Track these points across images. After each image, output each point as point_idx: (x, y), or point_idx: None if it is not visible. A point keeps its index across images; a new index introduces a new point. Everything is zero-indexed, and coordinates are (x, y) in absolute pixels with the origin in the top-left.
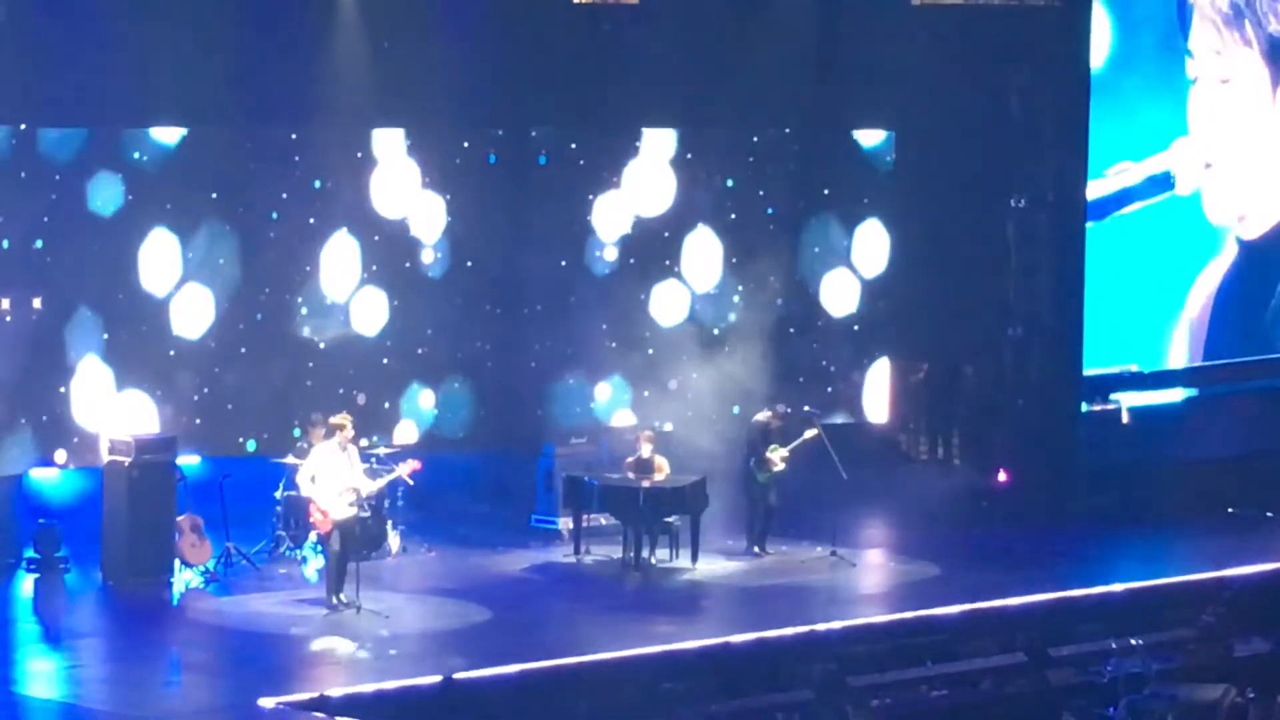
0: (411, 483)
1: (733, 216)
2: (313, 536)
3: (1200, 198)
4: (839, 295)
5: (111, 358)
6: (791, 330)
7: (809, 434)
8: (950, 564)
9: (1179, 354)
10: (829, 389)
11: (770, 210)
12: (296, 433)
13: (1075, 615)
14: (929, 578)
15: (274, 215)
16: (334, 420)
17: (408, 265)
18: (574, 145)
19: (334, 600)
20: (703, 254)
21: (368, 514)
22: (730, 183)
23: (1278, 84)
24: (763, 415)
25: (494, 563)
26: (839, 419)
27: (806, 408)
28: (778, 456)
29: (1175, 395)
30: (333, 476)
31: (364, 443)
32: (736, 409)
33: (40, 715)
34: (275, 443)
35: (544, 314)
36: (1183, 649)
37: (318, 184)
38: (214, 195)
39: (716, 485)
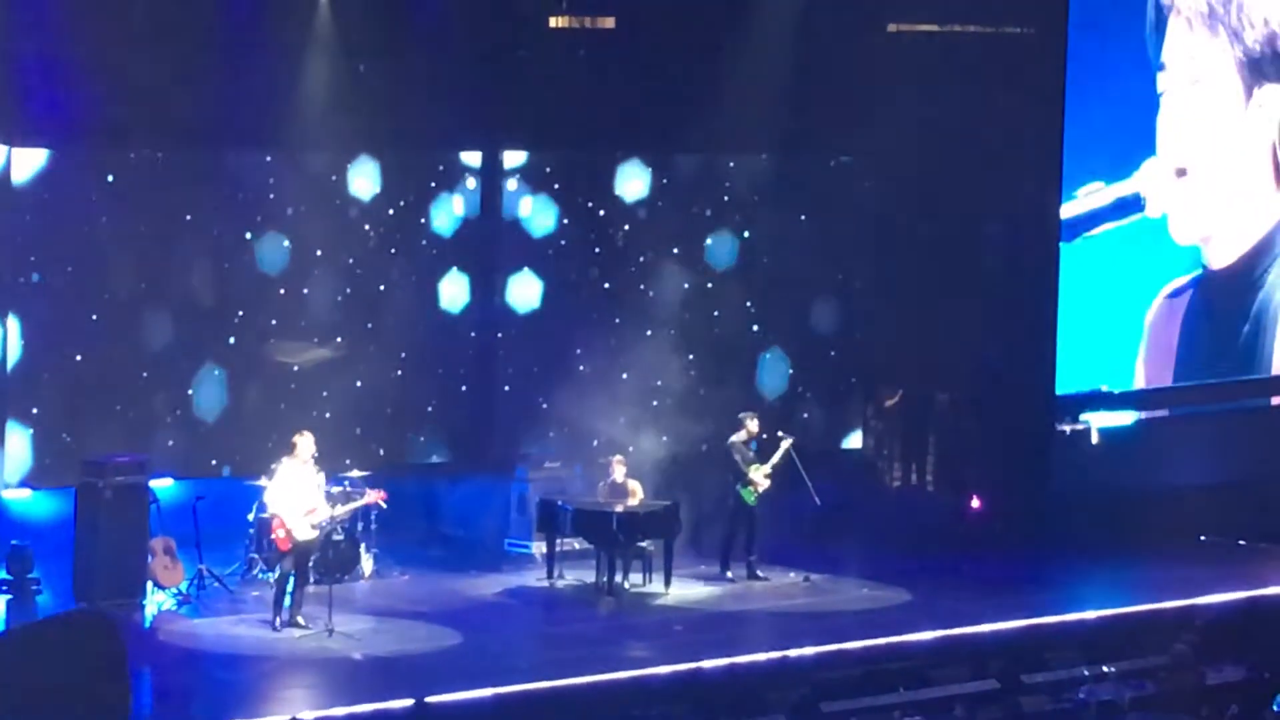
0: (385, 506)
1: (708, 242)
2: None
3: (1167, 218)
4: (814, 321)
5: (84, 378)
6: (768, 356)
7: (785, 444)
8: (923, 590)
9: (1139, 375)
10: (805, 414)
11: (746, 235)
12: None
13: (1048, 642)
14: (902, 603)
15: (248, 236)
16: (303, 442)
17: (382, 289)
18: (549, 169)
19: (277, 622)
20: (679, 279)
21: (340, 537)
22: (708, 211)
23: (1250, 93)
24: (738, 435)
25: (467, 586)
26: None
27: (780, 433)
28: (761, 475)
29: (1145, 416)
30: (297, 495)
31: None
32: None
33: None
34: (248, 465)
35: (518, 337)
36: (1155, 677)
37: (290, 210)
38: (188, 217)
39: (693, 509)
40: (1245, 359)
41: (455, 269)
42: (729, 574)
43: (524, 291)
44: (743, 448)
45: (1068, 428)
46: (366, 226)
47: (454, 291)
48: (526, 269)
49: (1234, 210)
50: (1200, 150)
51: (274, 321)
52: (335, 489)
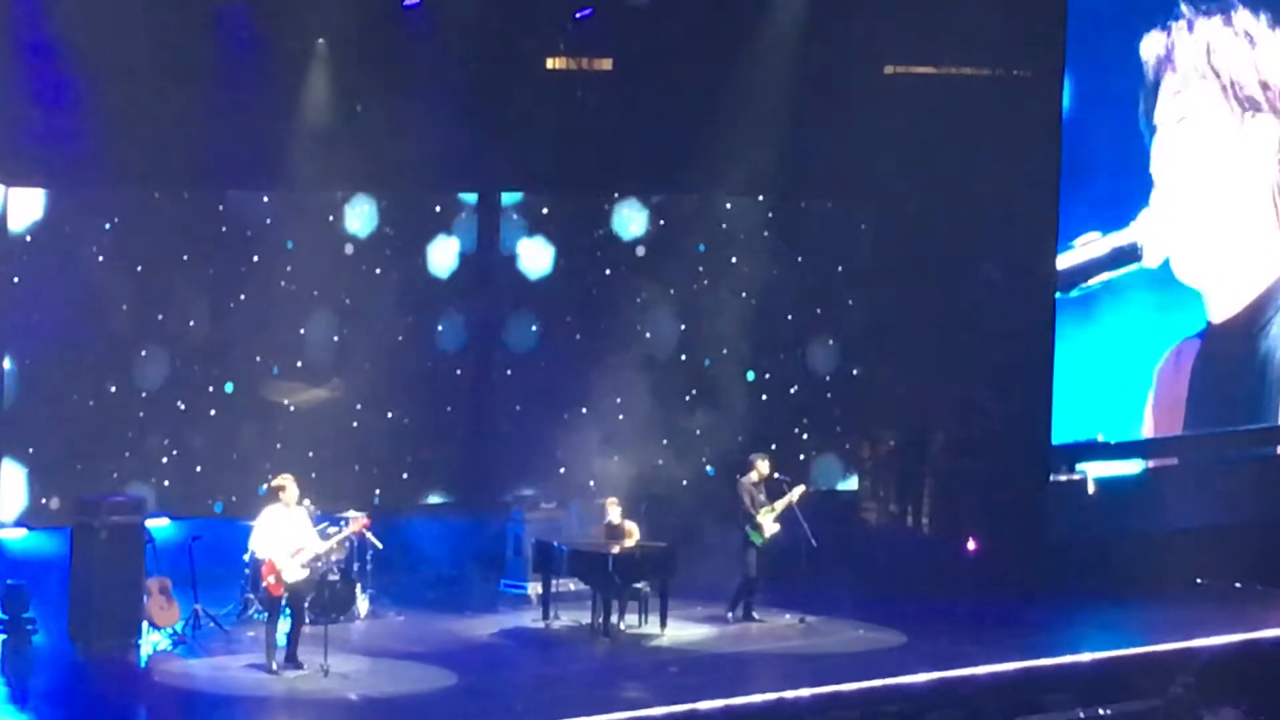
0: (379, 545)
1: (705, 282)
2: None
3: (1168, 265)
4: (811, 362)
5: (80, 418)
6: (765, 397)
7: (797, 491)
8: (919, 632)
9: (1148, 425)
10: (801, 455)
11: (743, 277)
12: (263, 490)
13: (1043, 685)
14: (898, 646)
15: (244, 278)
16: (275, 482)
17: (378, 329)
18: (546, 210)
19: (273, 665)
20: (675, 319)
21: (336, 577)
22: (705, 252)
23: (1244, 118)
24: (749, 476)
25: (462, 627)
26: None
27: (776, 475)
28: (770, 518)
29: (1142, 466)
30: (283, 538)
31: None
32: (711, 469)
33: None
34: (244, 505)
35: (514, 379)
36: (1151, 719)
37: (287, 250)
38: (185, 257)
39: (690, 549)
40: (1253, 410)
41: (452, 309)
42: (729, 615)
43: (521, 332)
44: (753, 489)
45: (1064, 477)
46: (363, 266)
47: (452, 332)
48: (523, 309)
49: (1235, 259)
50: (1198, 191)
51: (270, 361)
52: (332, 529)
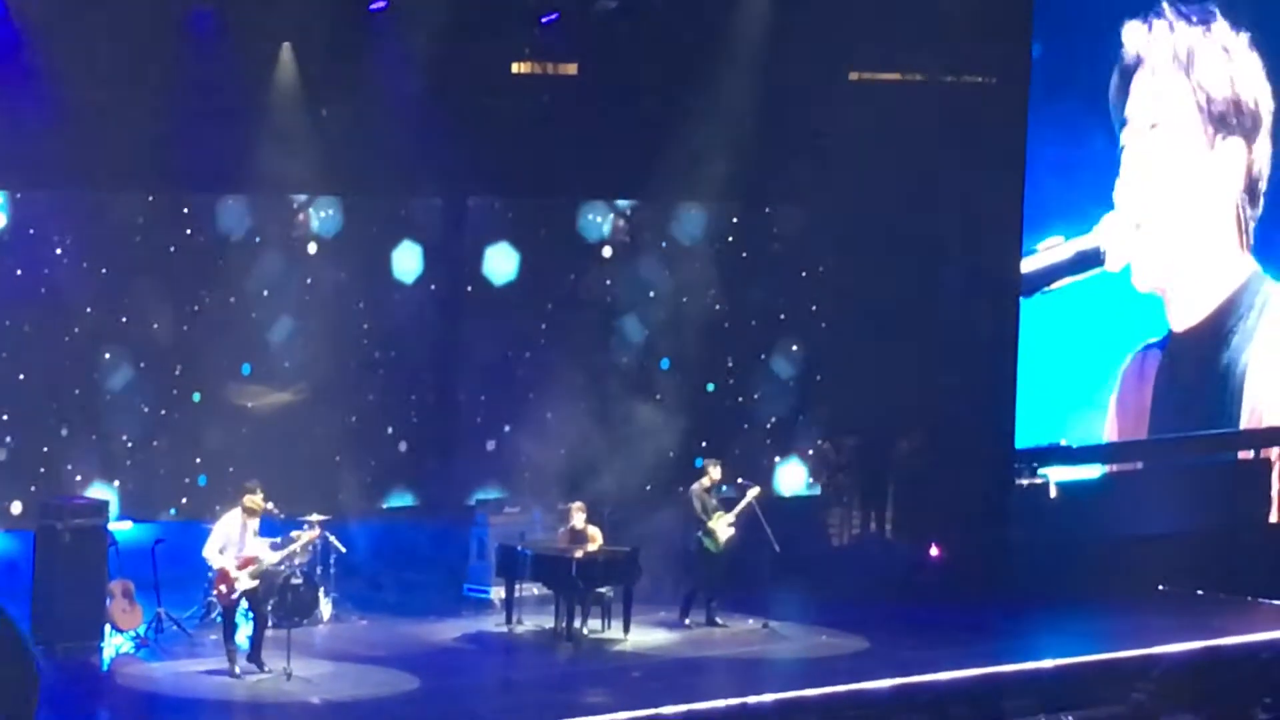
0: (342, 549)
1: (670, 288)
2: (243, 604)
3: (1129, 271)
4: (775, 368)
5: (44, 420)
6: (728, 403)
7: (751, 494)
8: (882, 638)
9: (1112, 430)
10: (764, 461)
11: (707, 282)
12: (203, 480)
13: (1006, 690)
14: (861, 651)
15: (208, 281)
16: (248, 503)
17: (343, 333)
18: (511, 215)
19: (236, 669)
20: (639, 326)
21: (299, 581)
22: (670, 257)
23: (1214, 143)
24: (701, 482)
25: (425, 631)
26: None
27: (740, 479)
28: (724, 524)
29: (1110, 470)
30: (234, 548)
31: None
32: (699, 460)
33: None
34: (199, 507)
35: (478, 383)
36: None
37: (251, 254)
38: (149, 260)
39: (653, 555)
40: (1215, 416)
41: (417, 312)
42: (687, 621)
43: (485, 336)
44: (705, 495)
45: (1025, 481)
46: (328, 269)
47: (416, 336)
48: (488, 313)
49: (1196, 267)
50: (1162, 198)
51: (235, 365)
52: (296, 533)
